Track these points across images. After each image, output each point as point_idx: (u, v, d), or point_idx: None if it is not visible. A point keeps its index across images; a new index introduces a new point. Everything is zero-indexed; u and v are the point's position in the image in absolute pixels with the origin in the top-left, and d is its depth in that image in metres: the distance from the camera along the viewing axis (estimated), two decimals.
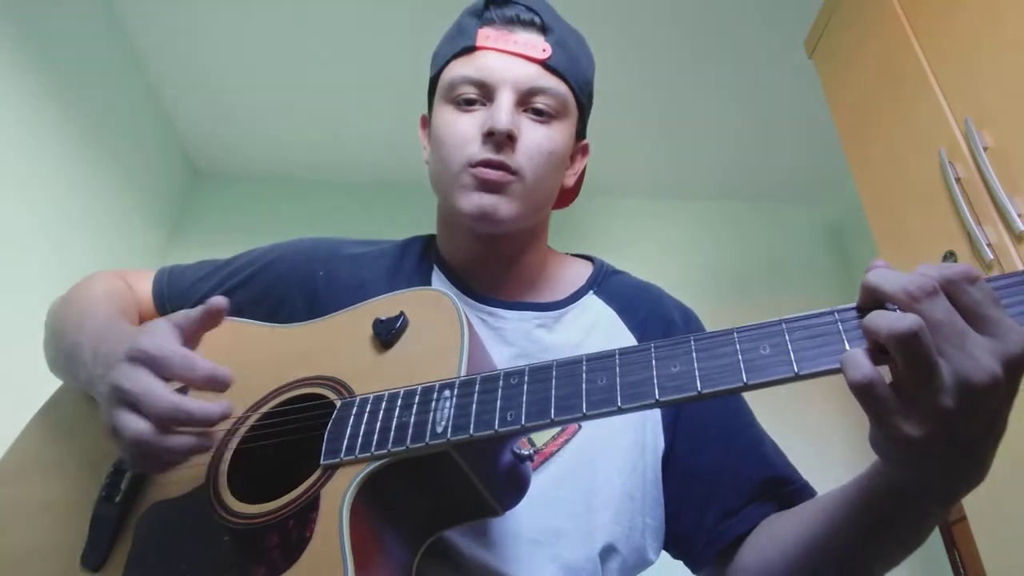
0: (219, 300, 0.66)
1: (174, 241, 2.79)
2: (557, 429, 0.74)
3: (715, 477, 0.76)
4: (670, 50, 2.42)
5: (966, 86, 1.36)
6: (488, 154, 0.75)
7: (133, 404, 0.59)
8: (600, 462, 0.75)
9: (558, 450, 0.74)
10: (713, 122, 2.69)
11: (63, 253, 2.14)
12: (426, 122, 0.88)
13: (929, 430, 0.44)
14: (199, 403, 0.59)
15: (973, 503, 1.33)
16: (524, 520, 0.70)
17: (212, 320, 0.66)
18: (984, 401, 0.43)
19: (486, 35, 0.78)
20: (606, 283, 0.88)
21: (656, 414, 0.79)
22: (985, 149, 1.27)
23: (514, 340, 0.79)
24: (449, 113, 0.79)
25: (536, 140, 0.77)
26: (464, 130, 0.77)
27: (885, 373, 0.46)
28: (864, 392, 0.44)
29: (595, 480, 0.74)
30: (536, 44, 0.78)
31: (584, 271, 0.89)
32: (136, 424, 0.58)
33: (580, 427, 0.75)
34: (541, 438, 0.74)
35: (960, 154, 1.33)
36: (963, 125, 1.33)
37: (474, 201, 0.75)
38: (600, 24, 2.30)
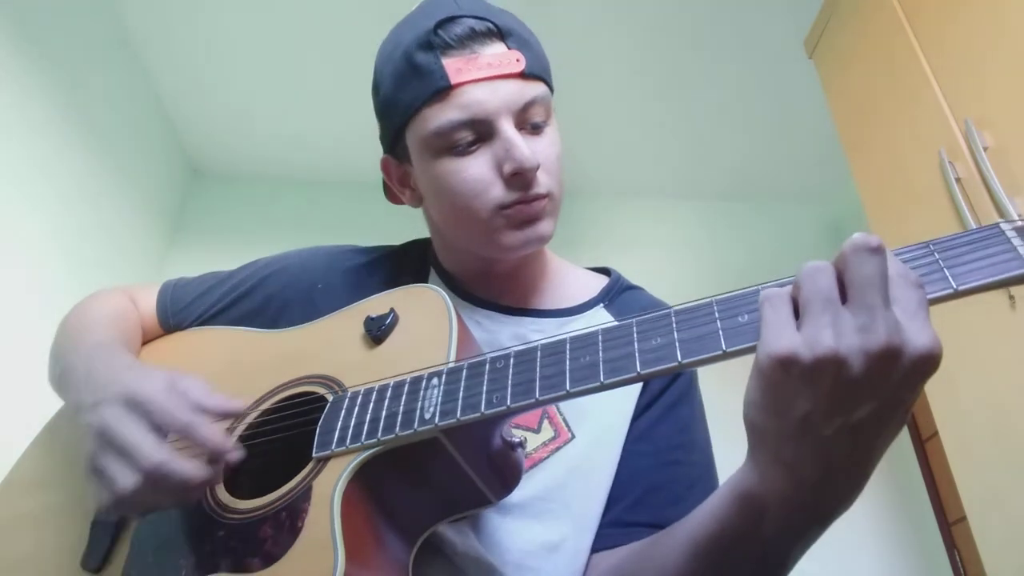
0: (237, 406, 0.63)
1: (174, 241, 2.79)
2: (551, 435, 0.73)
3: (628, 487, 0.73)
4: (670, 51, 2.43)
5: (966, 86, 1.36)
6: (519, 192, 0.72)
7: (122, 452, 0.58)
8: (597, 475, 0.73)
9: (548, 456, 0.72)
10: (713, 122, 2.70)
11: (63, 253, 2.14)
12: (392, 168, 0.83)
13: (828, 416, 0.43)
14: (185, 464, 0.58)
15: (973, 503, 1.34)
16: (511, 534, 0.69)
17: (222, 417, 0.64)
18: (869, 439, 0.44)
19: (456, 68, 0.71)
20: (618, 298, 0.85)
21: (629, 421, 0.77)
22: (985, 149, 1.27)
23: (510, 344, 0.78)
24: (450, 163, 0.73)
25: (547, 154, 0.74)
26: (479, 176, 0.72)
27: None
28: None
29: (589, 501, 0.72)
30: (506, 56, 0.72)
31: (597, 284, 0.87)
32: (125, 478, 0.57)
33: (573, 436, 0.74)
34: (531, 443, 0.73)
35: (960, 154, 1.33)
36: (963, 125, 1.33)
37: (519, 237, 0.74)
38: (602, 25, 2.31)
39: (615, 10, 2.28)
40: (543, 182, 0.73)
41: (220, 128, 2.77)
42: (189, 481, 0.58)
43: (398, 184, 0.84)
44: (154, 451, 0.58)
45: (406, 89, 0.74)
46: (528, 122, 0.74)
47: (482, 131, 0.72)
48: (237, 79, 2.56)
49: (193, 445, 0.60)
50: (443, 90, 0.71)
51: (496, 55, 0.72)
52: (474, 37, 0.72)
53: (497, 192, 0.72)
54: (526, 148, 0.71)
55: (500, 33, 0.74)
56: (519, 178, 0.72)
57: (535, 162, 0.71)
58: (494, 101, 0.71)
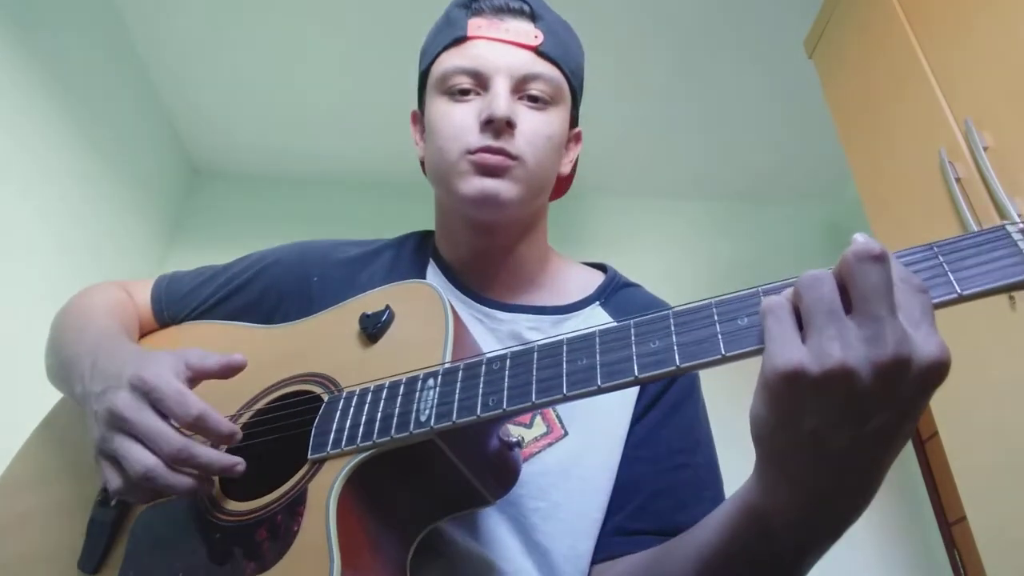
0: (240, 359, 0.65)
1: (173, 240, 2.79)
2: (543, 430, 0.73)
3: (631, 494, 0.72)
4: (669, 50, 2.42)
5: (966, 86, 1.36)
6: (487, 141, 0.74)
7: (137, 436, 0.59)
8: (591, 476, 0.71)
9: (538, 451, 0.71)
10: (713, 123, 2.69)
11: (63, 252, 2.14)
12: (417, 118, 0.89)
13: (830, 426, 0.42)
14: (206, 450, 0.59)
15: (973, 503, 1.33)
16: (506, 532, 0.68)
17: (228, 374, 0.65)
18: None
19: (477, 25, 0.78)
20: (615, 296, 0.84)
21: (627, 423, 0.75)
22: (985, 149, 1.27)
23: (506, 341, 0.77)
24: (444, 104, 0.78)
25: (534, 125, 0.77)
26: (461, 119, 0.76)
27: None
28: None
29: (583, 502, 0.70)
30: (527, 31, 0.78)
31: (594, 281, 0.86)
32: (146, 458, 0.58)
33: (566, 433, 0.72)
34: (525, 436, 0.72)
35: (960, 154, 1.33)
36: (963, 125, 1.33)
37: (475, 185, 0.75)
38: (600, 23, 2.30)
39: (615, 10, 2.28)
40: (518, 145, 0.75)
41: (220, 128, 2.77)
42: (210, 466, 0.58)
43: (419, 135, 0.88)
44: (173, 435, 0.58)
45: (436, 38, 0.83)
46: (527, 93, 0.78)
47: (478, 83, 0.78)
48: (237, 79, 2.55)
49: (203, 436, 0.60)
50: (459, 40, 0.79)
51: (518, 27, 0.79)
52: (506, 9, 0.80)
53: (471, 137, 0.75)
54: (505, 102, 0.75)
55: (532, 15, 0.80)
56: (490, 127, 0.75)
57: (506, 114, 0.74)
58: (497, 61, 0.77)
